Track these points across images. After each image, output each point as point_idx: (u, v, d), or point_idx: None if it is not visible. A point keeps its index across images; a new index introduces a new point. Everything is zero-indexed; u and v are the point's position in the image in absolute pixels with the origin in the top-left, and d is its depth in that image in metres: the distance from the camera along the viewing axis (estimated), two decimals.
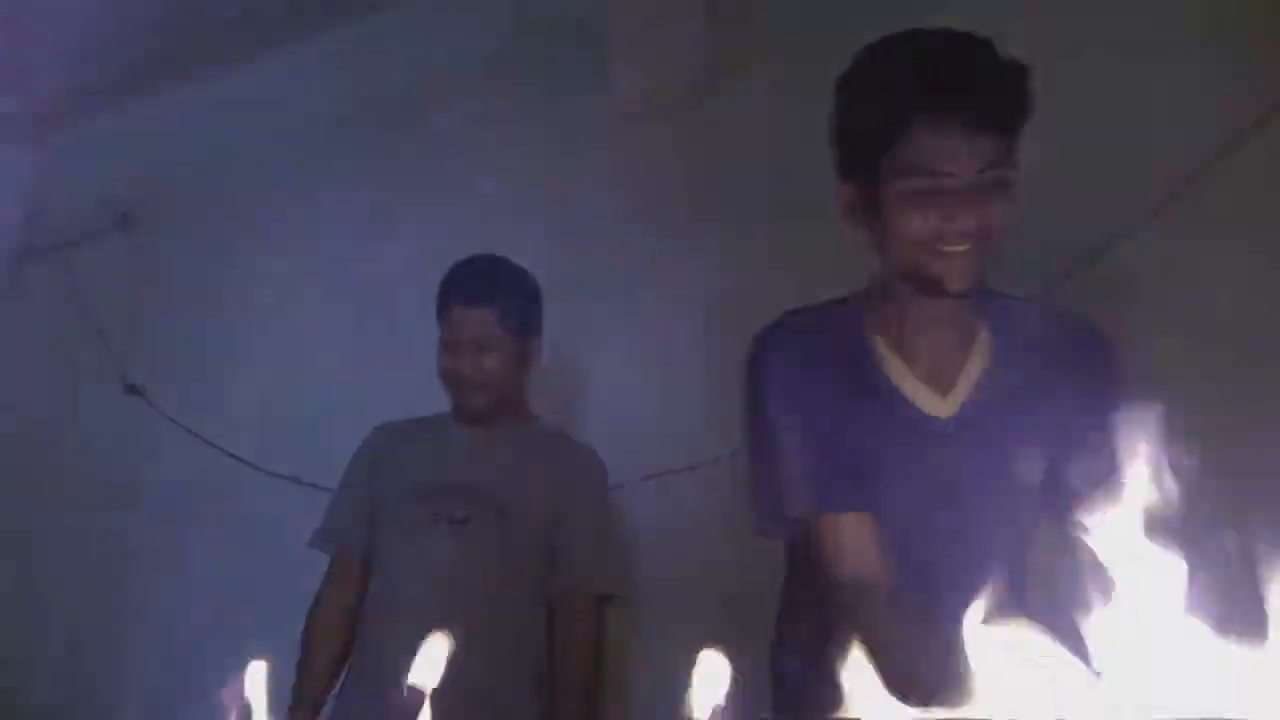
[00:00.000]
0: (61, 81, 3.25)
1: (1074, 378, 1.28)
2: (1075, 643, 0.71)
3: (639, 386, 2.27)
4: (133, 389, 2.98)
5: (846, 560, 1.26)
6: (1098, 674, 0.69)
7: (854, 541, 1.26)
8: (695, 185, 2.31)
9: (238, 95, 2.96)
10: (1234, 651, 0.66)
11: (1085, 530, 0.80)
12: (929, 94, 1.17)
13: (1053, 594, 1.06)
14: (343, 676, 1.94)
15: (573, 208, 2.43)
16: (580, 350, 2.34)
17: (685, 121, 2.34)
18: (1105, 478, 1.06)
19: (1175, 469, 0.81)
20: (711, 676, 0.69)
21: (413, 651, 1.69)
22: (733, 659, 0.69)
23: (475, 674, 1.74)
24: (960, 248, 1.20)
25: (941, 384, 1.32)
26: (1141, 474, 0.79)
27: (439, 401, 2.00)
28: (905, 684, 0.73)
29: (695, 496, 2.13)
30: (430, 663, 0.86)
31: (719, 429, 2.08)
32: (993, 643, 0.71)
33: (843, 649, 0.73)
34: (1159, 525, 0.76)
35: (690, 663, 0.70)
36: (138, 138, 3.16)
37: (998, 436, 1.28)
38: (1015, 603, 1.17)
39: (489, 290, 1.92)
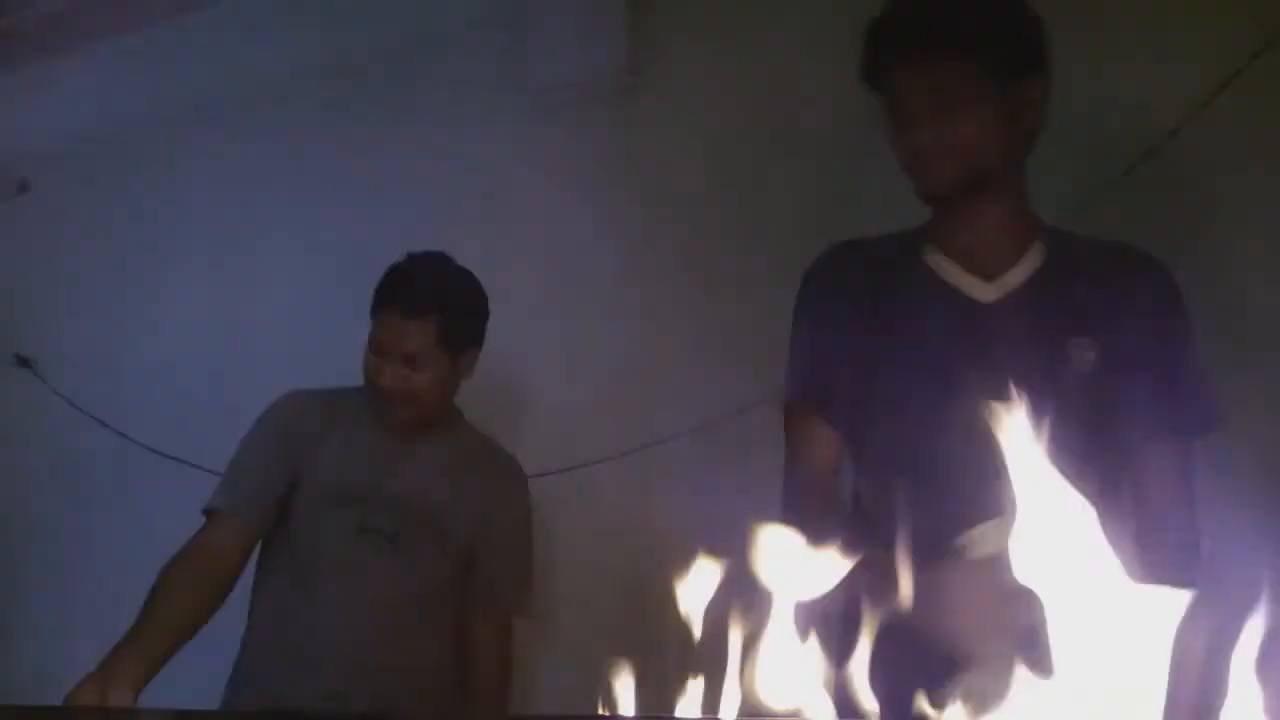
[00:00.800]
0: None
1: (1126, 305, 1.34)
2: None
3: (565, 381, 2.27)
4: (22, 360, 2.87)
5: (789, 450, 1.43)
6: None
7: (799, 439, 1.42)
8: (620, 176, 2.30)
9: (135, 61, 2.87)
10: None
11: None
12: (891, 38, 1.35)
13: None
14: (241, 666, 1.85)
15: (494, 202, 2.41)
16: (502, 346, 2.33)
17: (609, 112, 2.34)
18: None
19: None
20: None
21: (344, 675, 1.67)
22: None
23: (396, 690, 1.74)
24: (925, 159, 1.34)
25: (988, 273, 1.37)
26: None
27: (334, 379, 1.93)
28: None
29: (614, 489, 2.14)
30: None
31: (639, 423, 2.16)
32: None
33: None
34: None
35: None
36: (37, 104, 3.04)
37: (1043, 327, 1.32)
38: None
39: (432, 303, 1.77)
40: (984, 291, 1.36)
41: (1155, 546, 1.16)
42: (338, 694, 1.73)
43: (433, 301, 1.76)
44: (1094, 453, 1.25)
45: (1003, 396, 1.01)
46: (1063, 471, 0.70)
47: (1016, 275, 1.37)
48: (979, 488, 0.77)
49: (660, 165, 2.27)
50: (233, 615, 1.80)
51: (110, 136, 2.94)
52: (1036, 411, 1.17)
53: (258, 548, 1.86)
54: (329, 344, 2.00)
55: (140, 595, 1.84)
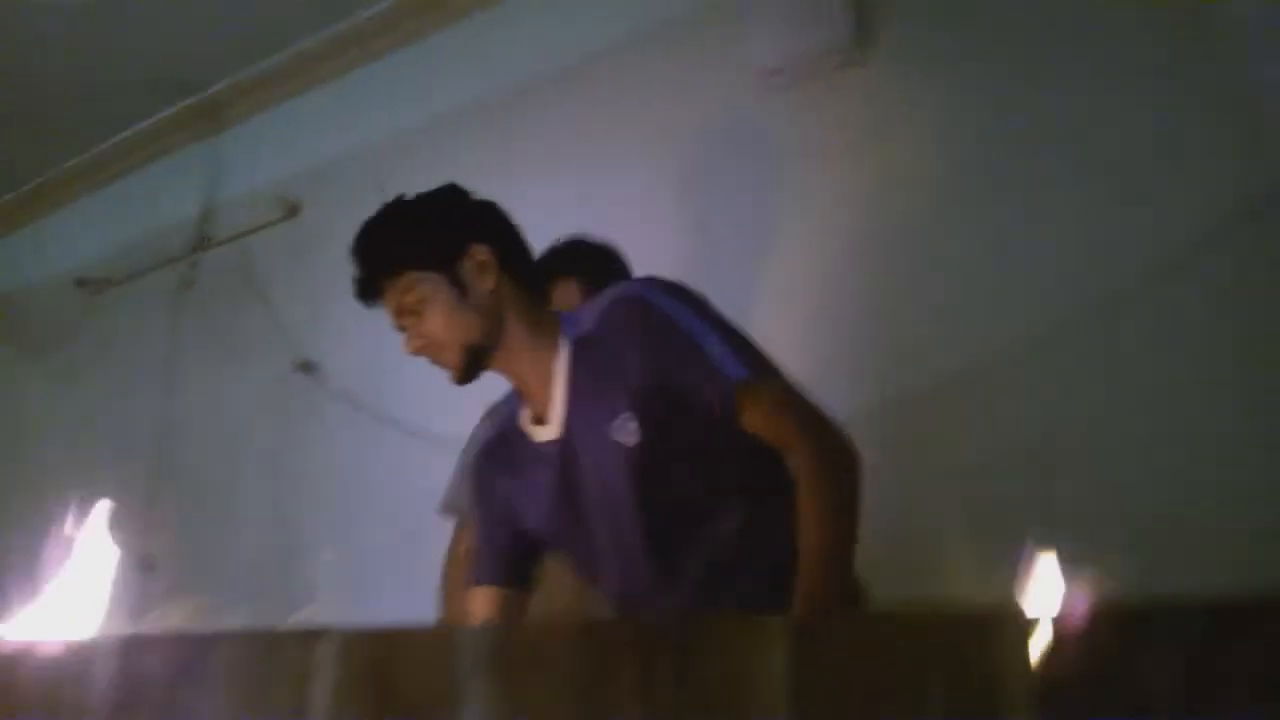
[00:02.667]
0: (230, 76, 3.47)
1: (630, 356, 1.45)
2: None
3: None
4: (305, 367, 3.16)
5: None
6: None
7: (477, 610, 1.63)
8: (846, 153, 2.32)
9: (393, 84, 3.11)
10: None
11: None
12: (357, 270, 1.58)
13: None
14: None
15: (722, 182, 2.47)
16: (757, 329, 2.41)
17: (829, 90, 2.36)
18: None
19: None
20: None
21: None
22: None
23: None
24: (425, 357, 1.55)
25: (542, 417, 1.54)
26: None
27: None
28: None
29: None
30: None
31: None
32: None
33: None
34: None
35: None
36: (305, 128, 3.35)
37: (593, 431, 1.47)
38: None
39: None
40: (544, 433, 1.54)
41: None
42: None
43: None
44: (720, 475, 1.45)
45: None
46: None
47: (555, 408, 1.51)
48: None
49: (887, 141, 2.27)
50: None
51: (367, 154, 3.20)
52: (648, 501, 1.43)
53: None
54: None
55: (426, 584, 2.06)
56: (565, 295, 1.93)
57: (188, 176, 3.77)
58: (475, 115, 3.02)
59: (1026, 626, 0.63)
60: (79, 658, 1.08)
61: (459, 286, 1.53)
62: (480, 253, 1.55)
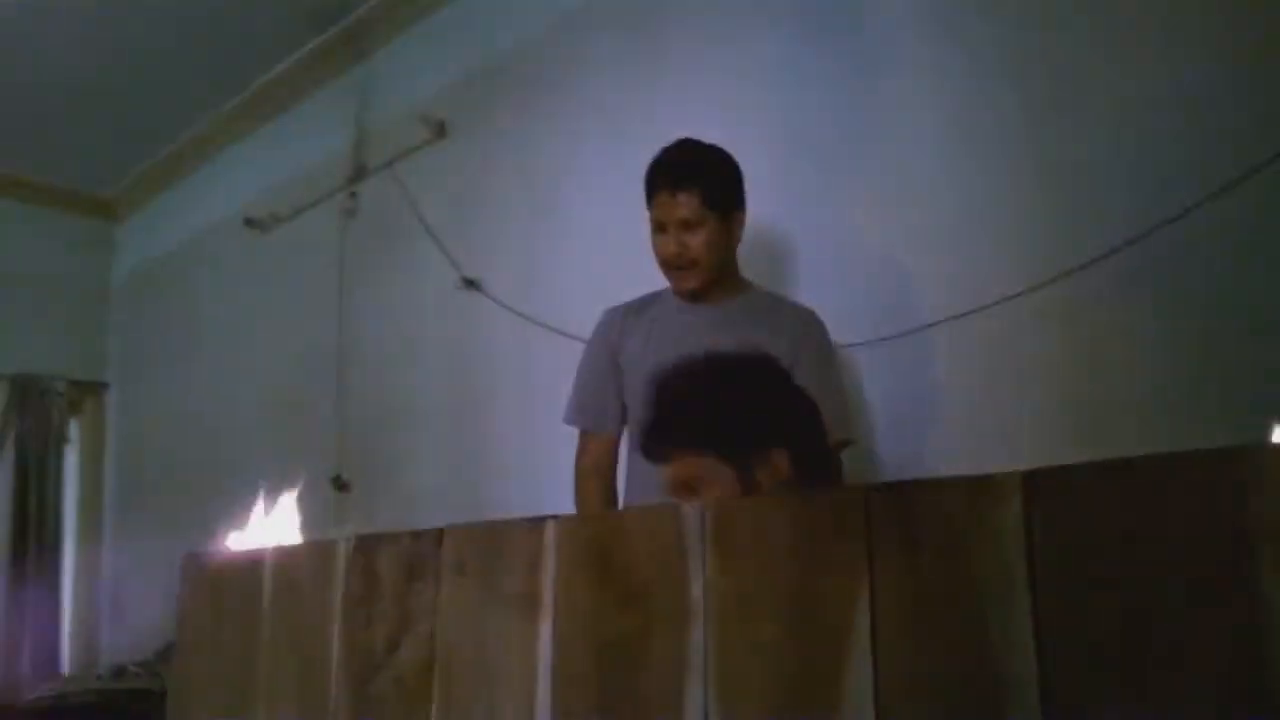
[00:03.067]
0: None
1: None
2: None
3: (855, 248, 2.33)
4: (469, 283, 3.25)
5: None
6: None
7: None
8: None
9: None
10: None
11: None
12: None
13: None
14: None
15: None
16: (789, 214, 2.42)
17: None
18: None
19: None
20: None
21: None
22: None
23: None
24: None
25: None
26: None
27: None
28: None
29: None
30: None
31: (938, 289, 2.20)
32: None
33: None
34: None
35: None
36: (444, 46, 3.40)
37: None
38: None
39: (693, 173, 2.03)
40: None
41: None
42: None
43: (694, 171, 2.04)
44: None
45: None
46: None
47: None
48: None
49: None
50: None
51: (512, 67, 3.23)
52: None
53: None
54: None
55: None
56: (674, 209, 2.05)
57: (339, 107, 3.87)
58: (607, 12, 2.99)
59: (1274, 463, 0.62)
60: (320, 557, 1.17)
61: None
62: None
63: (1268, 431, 0.76)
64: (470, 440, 3.27)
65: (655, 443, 1.49)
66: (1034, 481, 0.69)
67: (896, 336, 2.27)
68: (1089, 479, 0.68)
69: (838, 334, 2.17)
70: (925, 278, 2.29)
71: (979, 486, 0.72)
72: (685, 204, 2.02)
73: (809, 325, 2.10)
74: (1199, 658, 0.60)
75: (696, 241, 2.03)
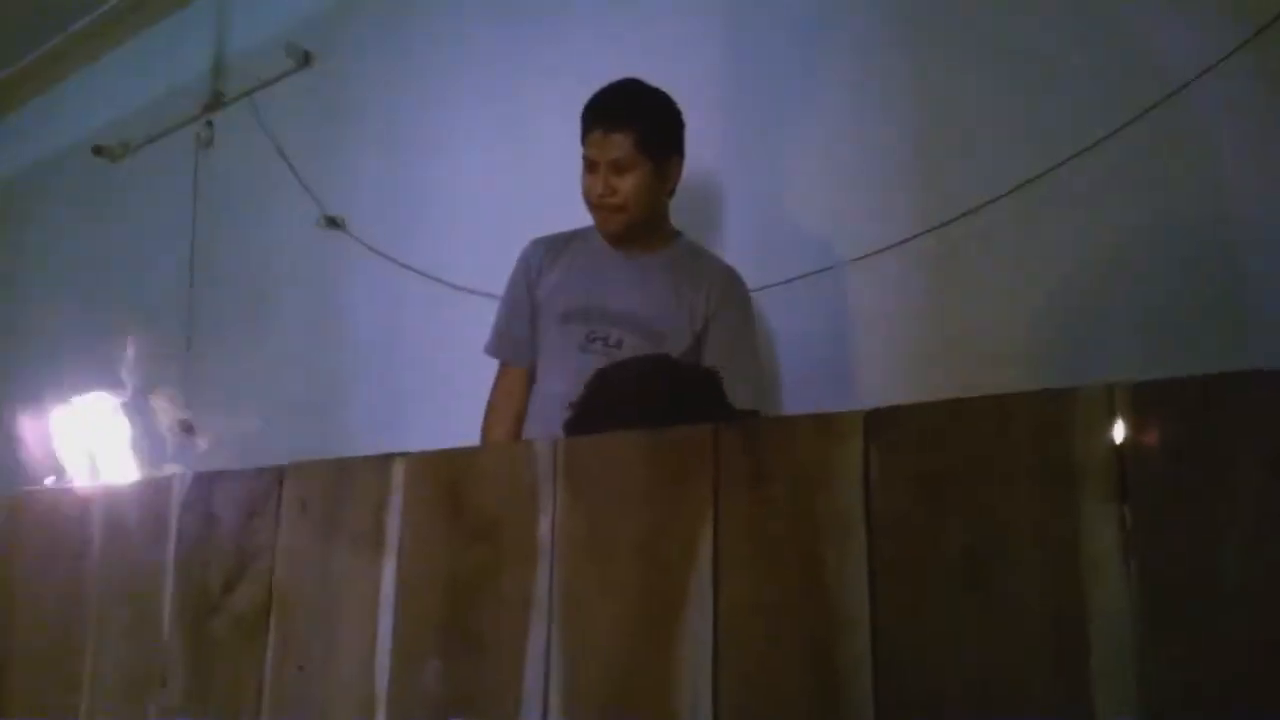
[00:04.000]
0: None
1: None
2: None
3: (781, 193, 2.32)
4: (331, 222, 3.15)
5: None
6: None
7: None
8: None
9: None
10: None
11: None
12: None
13: None
14: None
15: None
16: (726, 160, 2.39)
17: None
18: None
19: None
20: None
21: None
22: None
23: None
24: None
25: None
26: None
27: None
28: None
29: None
30: None
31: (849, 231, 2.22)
32: None
33: None
34: None
35: None
36: None
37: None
38: None
39: (629, 114, 1.97)
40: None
41: None
42: None
43: (629, 112, 1.98)
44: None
45: None
46: None
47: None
48: None
49: None
50: None
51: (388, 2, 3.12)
52: None
53: None
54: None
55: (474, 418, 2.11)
56: (606, 149, 1.97)
57: (197, 31, 3.67)
58: None
59: (1104, 402, 0.63)
60: (153, 495, 1.11)
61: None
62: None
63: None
64: (327, 388, 3.18)
65: (576, 429, 1.48)
66: (875, 420, 0.70)
67: (806, 275, 2.26)
68: (927, 419, 0.69)
69: (755, 278, 2.15)
70: (839, 220, 2.28)
71: (823, 425, 0.73)
72: (619, 145, 1.96)
73: (730, 284, 2.07)
74: (1027, 591, 0.61)
75: (626, 184, 1.98)
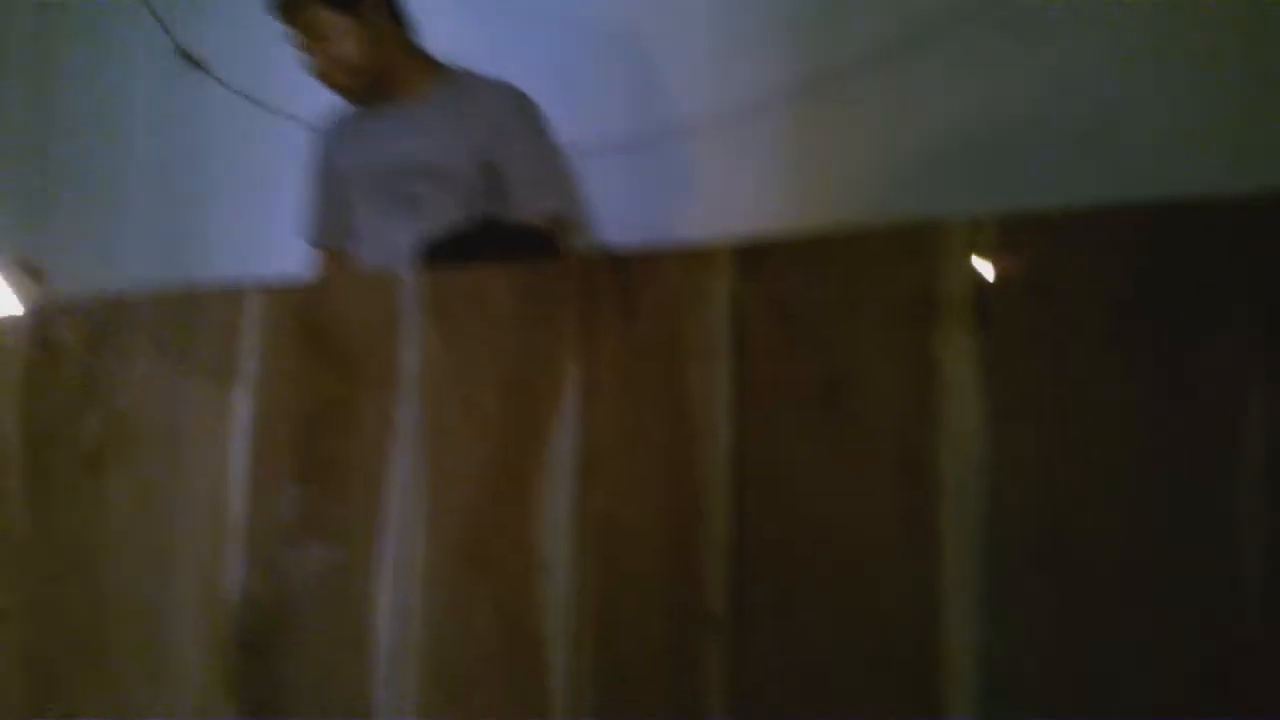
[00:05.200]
0: None
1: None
2: None
3: None
4: (189, 59, 2.97)
5: None
6: None
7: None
8: None
9: None
10: None
11: None
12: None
13: None
14: None
15: None
16: None
17: None
18: None
19: None
20: None
21: None
22: None
23: None
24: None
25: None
26: None
27: None
28: None
29: None
30: None
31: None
32: None
33: None
34: None
35: None
36: None
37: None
38: None
39: None
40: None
41: None
42: None
43: None
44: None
45: None
46: None
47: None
48: None
49: None
50: None
51: None
52: None
53: None
54: None
55: None
56: (299, 31, 1.88)
57: None
58: None
59: (962, 236, 0.64)
60: None
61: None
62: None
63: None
64: (183, 241, 3.05)
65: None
66: (744, 253, 0.69)
67: (653, 137, 2.23)
68: (795, 251, 0.69)
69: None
70: (688, 80, 2.24)
71: (694, 257, 0.72)
72: (307, 23, 1.86)
73: (510, 101, 1.96)
74: (882, 413, 0.63)
75: (340, 51, 1.88)
